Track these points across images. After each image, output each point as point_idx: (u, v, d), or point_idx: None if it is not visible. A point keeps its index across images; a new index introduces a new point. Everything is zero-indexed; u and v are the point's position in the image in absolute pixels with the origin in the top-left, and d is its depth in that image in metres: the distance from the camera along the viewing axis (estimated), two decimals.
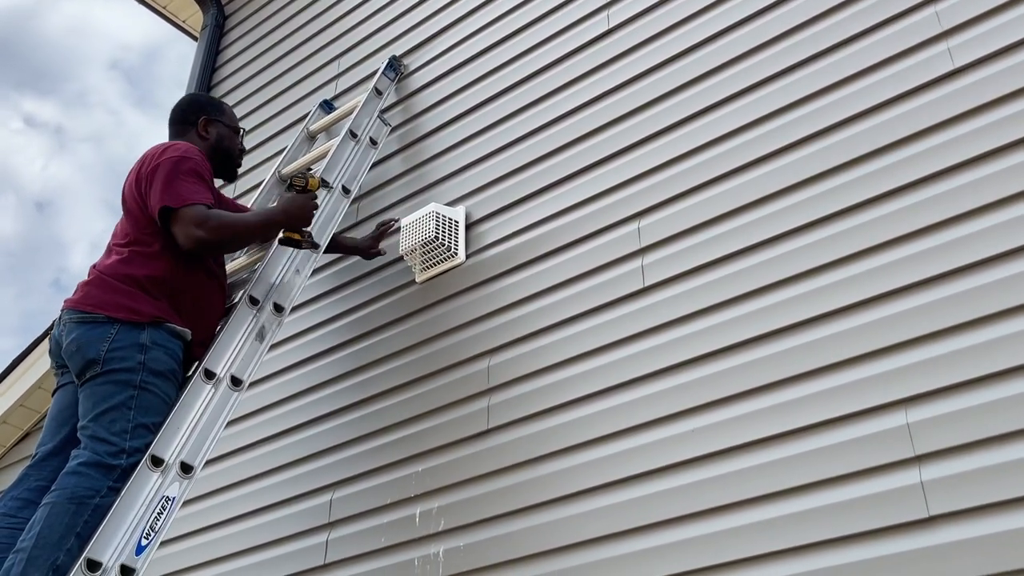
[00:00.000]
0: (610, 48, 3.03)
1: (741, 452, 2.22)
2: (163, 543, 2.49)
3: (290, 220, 2.76)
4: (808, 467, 2.10)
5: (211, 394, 2.50)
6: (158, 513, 2.27)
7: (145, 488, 2.27)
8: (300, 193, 2.80)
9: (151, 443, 2.32)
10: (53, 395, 2.60)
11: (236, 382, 2.57)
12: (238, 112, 4.38)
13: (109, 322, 2.42)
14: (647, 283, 2.57)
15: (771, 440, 2.19)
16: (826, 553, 2.00)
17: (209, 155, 2.84)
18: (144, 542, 2.22)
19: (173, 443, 2.37)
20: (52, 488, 2.23)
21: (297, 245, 2.85)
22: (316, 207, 2.83)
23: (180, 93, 4.69)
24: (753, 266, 2.40)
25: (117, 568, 2.14)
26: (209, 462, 3.23)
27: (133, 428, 2.30)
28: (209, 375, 2.51)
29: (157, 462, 2.31)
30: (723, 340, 2.36)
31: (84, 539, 2.14)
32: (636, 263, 2.63)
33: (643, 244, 2.64)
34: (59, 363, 2.56)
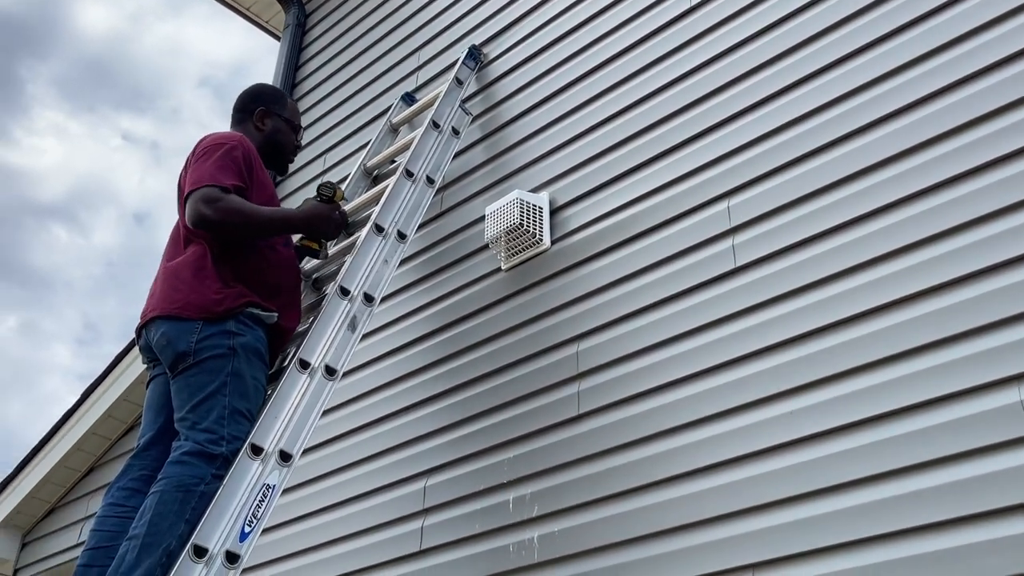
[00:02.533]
0: (694, 26, 2.98)
1: (840, 434, 2.16)
2: (264, 531, 2.55)
3: (309, 228, 2.76)
4: (912, 448, 2.03)
5: (307, 383, 2.54)
6: (259, 501, 2.33)
7: (246, 476, 2.32)
8: (326, 203, 2.82)
9: (248, 429, 2.38)
10: (147, 386, 2.67)
11: (330, 371, 2.61)
12: (322, 108, 4.46)
13: (194, 319, 2.47)
14: (739, 263, 2.52)
15: (871, 421, 2.12)
16: (936, 536, 1.93)
17: (261, 146, 2.87)
18: (247, 529, 2.28)
19: (272, 432, 2.42)
20: (159, 477, 2.30)
21: (314, 255, 2.90)
22: (339, 219, 2.83)
23: None
24: (850, 242, 2.32)
25: (223, 554, 2.20)
26: (306, 451, 3.30)
27: (229, 415, 2.35)
28: (304, 365, 2.56)
29: (257, 451, 2.36)
30: (819, 319, 2.30)
31: (192, 525, 2.20)
32: (727, 243, 2.58)
33: (733, 224, 2.58)
34: (150, 357, 2.62)
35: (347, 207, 3.43)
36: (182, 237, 2.66)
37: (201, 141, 2.72)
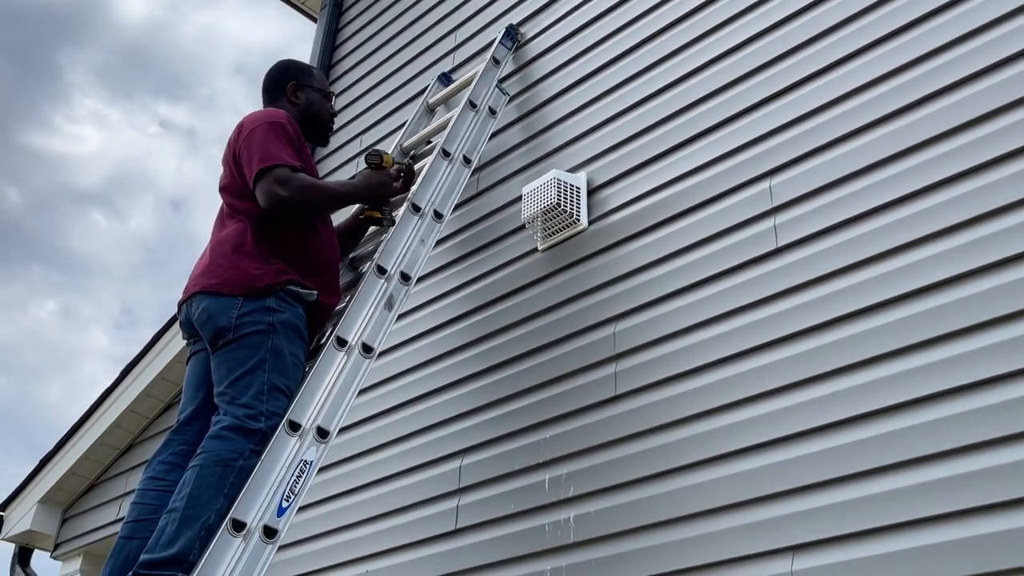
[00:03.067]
0: (735, 3, 2.93)
1: (882, 416, 2.13)
2: (301, 508, 2.56)
3: (371, 196, 2.87)
4: (957, 433, 1.99)
5: (344, 361, 2.54)
6: (297, 476, 2.34)
7: (284, 452, 2.34)
8: (375, 170, 2.88)
9: (286, 406, 2.39)
10: (187, 363, 2.69)
11: (367, 349, 2.61)
12: (358, 89, 4.46)
13: (234, 295, 2.48)
14: (780, 243, 2.48)
15: (914, 404, 2.08)
16: (978, 521, 1.90)
17: (299, 120, 2.87)
18: (284, 504, 2.29)
19: (309, 409, 2.43)
20: (198, 452, 2.32)
21: (378, 223, 2.94)
22: (391, 185, 2.89)
23: None
24: (895, 221, 2.28)
25: (261, 528, 2.21)
26: (343, 430, 3.31)
27: (268, 391, 2.36)
28: (341, 343, 2.56)
29: (295, 427, 2.37)
30: (863, 301, 2.26)
31: (231, 499, 2.22)
32: (768, 223, 2.54)
33: (775, 203, 2.54)
34: (190, 332, 2.64)
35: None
36: (224, 215, 2.67)
37: (248, 119, 2.73)
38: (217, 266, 2.55)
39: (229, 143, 2.74)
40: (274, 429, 2.33)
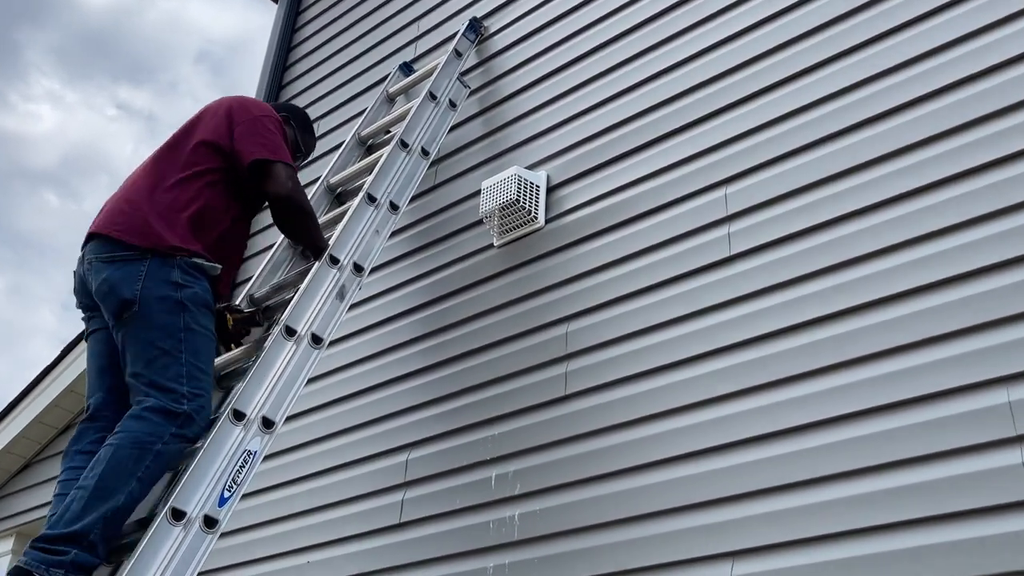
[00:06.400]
0: (698, 11, 2.94)
1: (824, 427, 2.16)
2: (245, 495, 2.53)
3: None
4: (893, 445, 2.04)
5: (292, 351, 2.51)
6: (240, 466, 2.30)
7: (228, 441, 2.30)
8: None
9: (206, 385, 2.34)
10: (86, 340, 2.56)
11: (316, 340, 2.58)
12: (317, 74, 4.40)
13: (139, 259, 2.38)
14: (734, 251, 2.51)
15: (855, 416, 2.13)
16: (918, 532, 1.94)
17: None
18: (227, 494, 2.25)
19: (255, 398, 2.39)
20: (116, 430, 2.23)
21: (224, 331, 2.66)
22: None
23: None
24: (847, 235, 2.31)
25: (201, 518, 2.18)
26: (289, 419, 3.27)
27: (187, 372, 2.30)
28: (290, 332, 2.53)
29: (239, 416, 2.34)
30: (810, 312, 2.29)
31: (144, 484, 2.16)
32: (722, 231, 2.56)
33: (730, 211, 2.57)
34: (87, 304, 2.52)
35: (336, 178, 3.37)
36: (156, 162, 2.59)
37: (251, 101, 2.75)
38: (126, 212, 2.46)
39: (222, 109, 2.67)
40: (198, 411, 2.28)
